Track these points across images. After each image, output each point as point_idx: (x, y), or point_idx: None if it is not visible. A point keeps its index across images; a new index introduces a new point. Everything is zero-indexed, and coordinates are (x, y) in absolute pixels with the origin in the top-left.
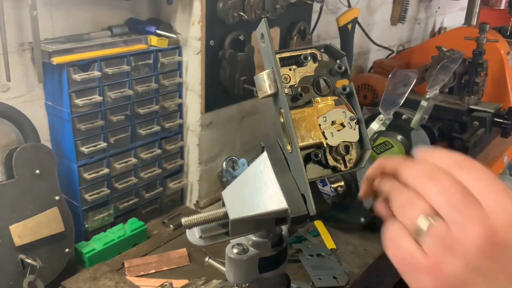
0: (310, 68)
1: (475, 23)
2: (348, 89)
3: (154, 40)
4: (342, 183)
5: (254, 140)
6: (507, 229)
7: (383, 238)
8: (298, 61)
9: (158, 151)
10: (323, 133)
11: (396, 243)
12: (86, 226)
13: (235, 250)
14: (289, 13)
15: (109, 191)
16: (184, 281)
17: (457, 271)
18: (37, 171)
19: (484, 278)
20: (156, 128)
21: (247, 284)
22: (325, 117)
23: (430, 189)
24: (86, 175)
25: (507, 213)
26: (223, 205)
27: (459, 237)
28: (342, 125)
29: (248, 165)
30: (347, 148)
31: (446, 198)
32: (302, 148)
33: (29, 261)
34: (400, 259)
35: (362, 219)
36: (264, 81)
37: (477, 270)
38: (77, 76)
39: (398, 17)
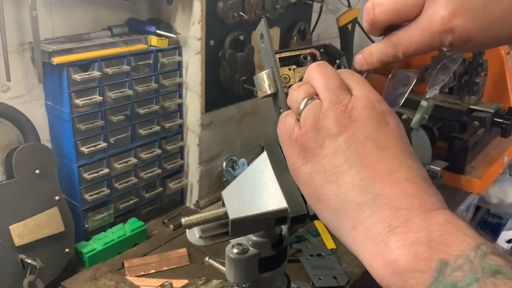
0: None
1: None
2: None
3: (154, 40)
4: None
5: (254, 140)
6: (361, 110)
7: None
8: (297, 61)
9: (158, 151)
10: None
11: (283, 120)
12: (86, 226)
13: (235, 250)
14: (289, 13)
15: (109, 191)
16: (184, 281)
17: (318, 138)
18: (37, 171)
19: (336, 142)
20: (156, 128)
21: (247, 284)
22: None
23: (314, 74)
24: (86, 175)
25: (366, 99)
26: (223, 205)
27: (325, 110)
28: None
29: (248, 165)
30: None
31: (325, 82)
32: None
33: (29, 261)
34: (283, 133)
35: None
36: (264, 81)
37: (333, 137)
38: (77, 76)
39: None
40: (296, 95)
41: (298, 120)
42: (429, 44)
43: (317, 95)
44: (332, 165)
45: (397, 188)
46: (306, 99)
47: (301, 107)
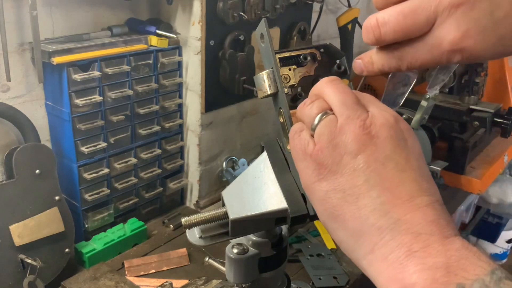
0: (309, 68)
1: None
2: None
3: (154, 40)
4: None
5: (254, 140)
6: (380, 127)
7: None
8: (297, 61)
9: (158, 151)
10: None
11: (297, 135)
12: (86, 226)
13: (235, 250)
14: (289, 13)
15: (109, 191)
16: (184, 281)
17: (335, 155)
18: (37, 171)
19: (356, 161)
20: (156, 128)
21: (247, 284)
22: None
23: (328, 90)
24: (86, 175)
25: (383, 117)
26: (223, 205)
27: (342, 126)
28: None
29: (248, 165)
30: None
31: (340, 98)
32: None
33: (29, 261)
34: (297, 147)
35: None
36: (264, 81)
37: (351, 154)
38: (77, 76)
39: None
40: (309, 110)
41: (312, 136)
42: (436, 61)
43: (331, 110)
44: (351, 185)
45: (418, 214)
46: (320, 114)
47: (315, 122)
